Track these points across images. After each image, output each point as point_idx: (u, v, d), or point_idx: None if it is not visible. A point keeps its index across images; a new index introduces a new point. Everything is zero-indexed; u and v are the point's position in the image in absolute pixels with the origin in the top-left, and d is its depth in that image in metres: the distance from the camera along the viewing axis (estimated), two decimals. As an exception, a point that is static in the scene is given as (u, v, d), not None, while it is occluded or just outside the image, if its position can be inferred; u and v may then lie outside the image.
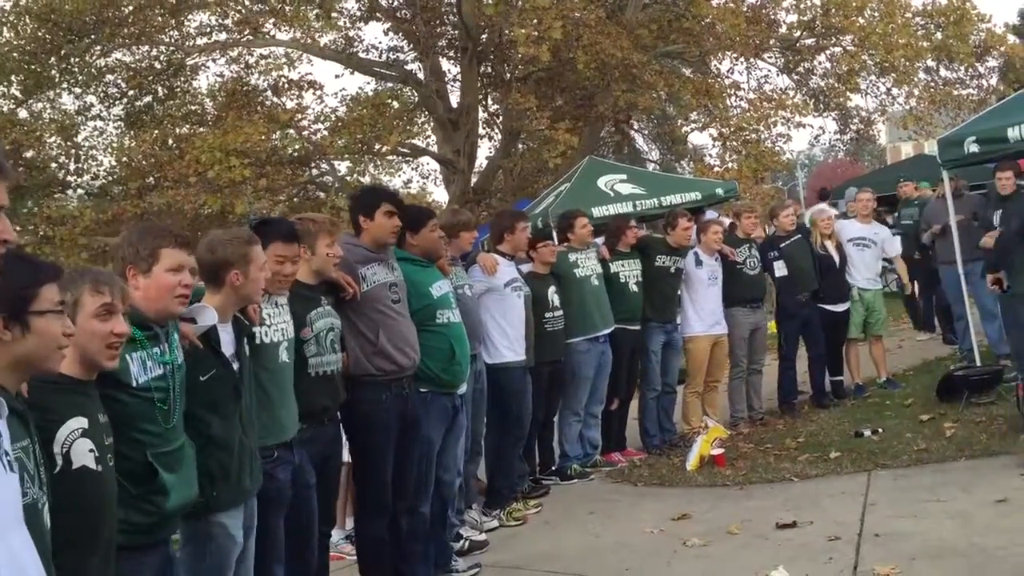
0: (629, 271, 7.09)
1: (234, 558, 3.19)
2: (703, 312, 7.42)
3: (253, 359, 3.46)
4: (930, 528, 4.66)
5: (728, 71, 19.75)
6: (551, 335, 6.40)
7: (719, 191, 11.29)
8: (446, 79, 18.78)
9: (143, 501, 2.71)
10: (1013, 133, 7.41)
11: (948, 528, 4.63)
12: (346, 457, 4.59)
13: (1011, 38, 20.53)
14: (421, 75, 18.40)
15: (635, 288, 7.08)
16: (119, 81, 17.78)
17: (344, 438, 4.44)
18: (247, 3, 17.01)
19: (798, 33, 18.20)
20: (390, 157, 18.65)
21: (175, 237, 2.95)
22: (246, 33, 17.40)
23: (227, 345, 3.29)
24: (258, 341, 3.56)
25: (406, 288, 4.66)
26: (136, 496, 2.68)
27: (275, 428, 3.62)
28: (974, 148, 7.69)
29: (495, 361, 5.80)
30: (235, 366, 3.28)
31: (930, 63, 18.31)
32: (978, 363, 8.07)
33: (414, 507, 4.64)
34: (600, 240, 7.22)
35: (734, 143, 17.13)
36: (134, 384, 2.72)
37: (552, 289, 6.49)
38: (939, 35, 17.67)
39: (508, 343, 5.92)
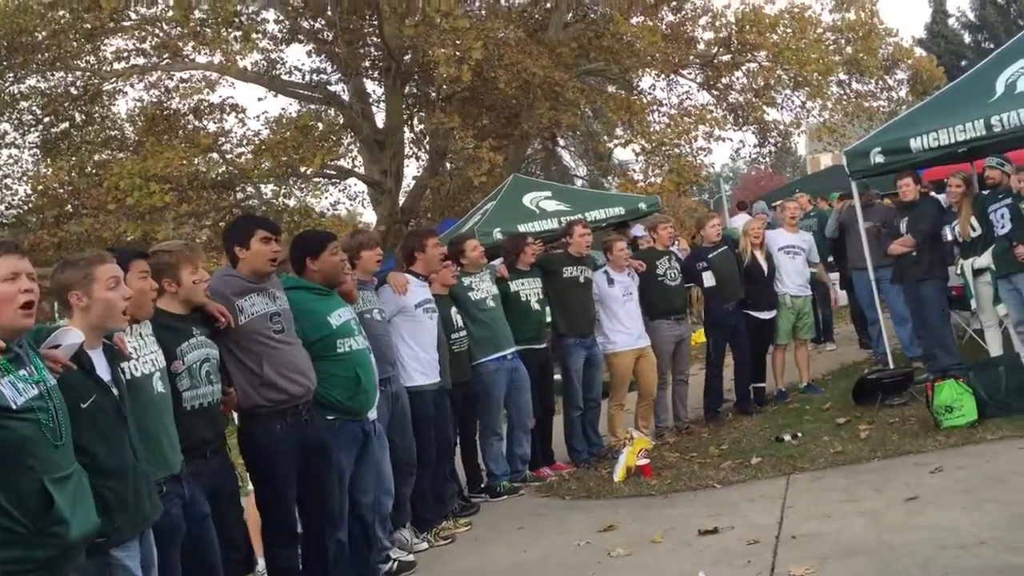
0: (530, 289, 7.15)
1: None
2: (622, 327, 7.51)
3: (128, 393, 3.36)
4: (843, 528, 4.80)
5: (650, 87, 20.21)
6: (458, 356, 6.42)
7: (642, 205, 11.52)
8: (371, 100, 18.84)
9: (43, 535, 2.58)
10: (916, 143, 7.69)
11: (860, 527, 4.77)
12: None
13: (918, 51, 21.40)
14: (345, 96, 18.39)
15: (537, 306, 7.14)
16: (34, 108, 17.39)
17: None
18: (166, 27, 16.79)
19: (715, 50, 18.66)
20: (316, 179, 18.53)
21: (3, 245, 2.82)
22: (165, 57, 17.18)
23: (103, 371, 3.19)
24: (128, 376, 3.43)
25: (292, 316, 4.57)
26: (35, 531, 2.55)
27: (160, 461, 3.53)
28: (880, 159, 7.96)
29: (407, 384, 5.76)
30: (115, 391, 3.18)
31: (842, 77, 18.96)
32: (891, 366, 8.33)
33: (330, 535, 4.60)
34: (498, 261, 7.29)
35: (657, 158, 17.47)
36: (13, 407, 2.59)
37: (453, 310, 6.52)
38: (849, 50, 18.31)
39: (420, 367, 5.88)
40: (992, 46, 27.39)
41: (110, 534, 2.94)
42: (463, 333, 6.53)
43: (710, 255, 8.23)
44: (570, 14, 18.43)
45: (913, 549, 4.29)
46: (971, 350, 8.59)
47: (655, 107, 19.59)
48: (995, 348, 7.73)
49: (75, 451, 2.81)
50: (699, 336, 8.66)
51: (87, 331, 3.15)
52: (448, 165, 19.94)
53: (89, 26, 16.04)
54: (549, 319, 7.27)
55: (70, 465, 2.74)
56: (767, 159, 24.16)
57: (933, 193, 9.26)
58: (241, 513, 4.29)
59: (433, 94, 17.84)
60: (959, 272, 7.97)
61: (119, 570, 3.04)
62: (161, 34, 16.85)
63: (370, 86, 18.98)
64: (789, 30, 17.80)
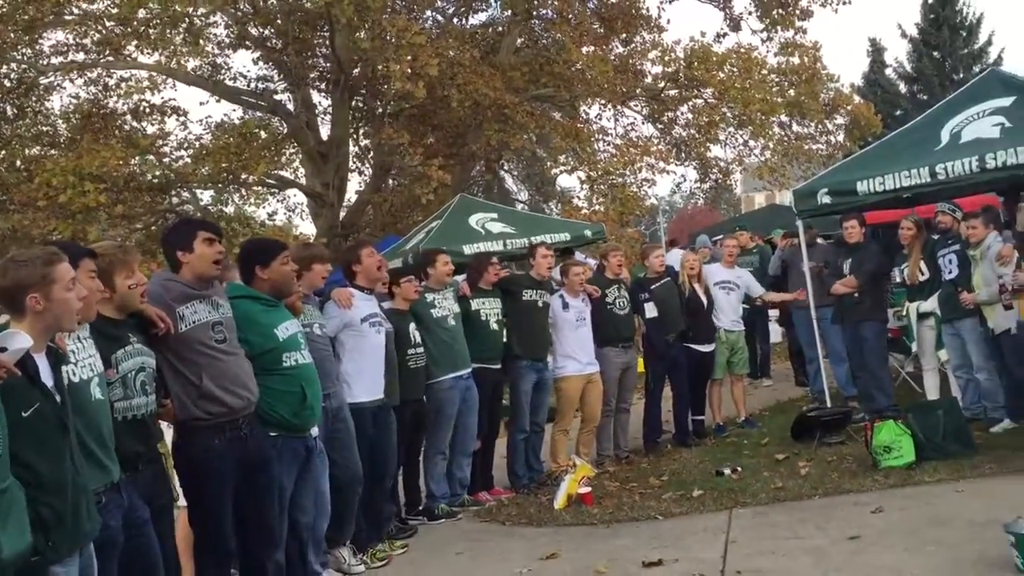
0: (490, 309, 7.09)
1: None
2: (574, 352, 7.48)
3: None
4: (788, 565, 4.80)
5: (596, 116, 20.34)
6: (413, 372, 6.31)
7: (587, 232, 11.54)
8: (317, 111, 18.59)
9: None
10: (862, 187, 7.84)
11: (805, 564, 4.77)
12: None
13: (856, 98, 21.97)
14: (291, 106, 18.13)
15: (496, 326, 7.09)
16: (-36, 98, 16.75)
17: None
18: (109, 23, 16.35)
19: (662, 84, 18.90)
20: (256, 188, 18.19)
21: None
22: (106, 54, 16.71)
23: (46, 376, 3.01)
24: (67, 381, 3.22)
25: (235, 326, 4.41)
26: None
27: (98, 470, 3.36)
28: (826, 199, 8.10)
29: (349, 400, 5.59)
30: (57, 398, 3.01)
31: (784, 118, 19.34)
32: (828, 404, 8.44)
33: (267, 553, 4.43)
34: (461, 278, 7.22)
35: (601, 186, 17.57)
36: None
37: (412, 326, 6.42)
38: (792, 92, 18.69)
39: (363, 383, 5.73)
40: (927, 97, 28.39)
41: (46, 552, 2.76)
42: (420, 350, 6.42)
43: (653, 286, 8.25)
44: (521, 39, 18.51)
45: (859, 589, 4.30)
46: (905, 392, 8.76)
47: (601, 136, 19.77)
48: (932, 392, 7.88)
49: (12, 463, 2.63)
50: (640, 366, 8.66)
51: (37, 334, 2.99)
52: (392, 182, 19.79)
53: (28, 17, 15.53)
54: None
55: (4, 480, 2.57)
56: (706, 195, 24.49)
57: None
58: (172, 531, 4.08)
59: (380, 109, 17.71)
60: (903, 314, 8.12)
61: None
62: (103, 31, 16.39)
63: (316, 97, 18.79)
64: (735, 69, 18.12)
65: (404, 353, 6.24)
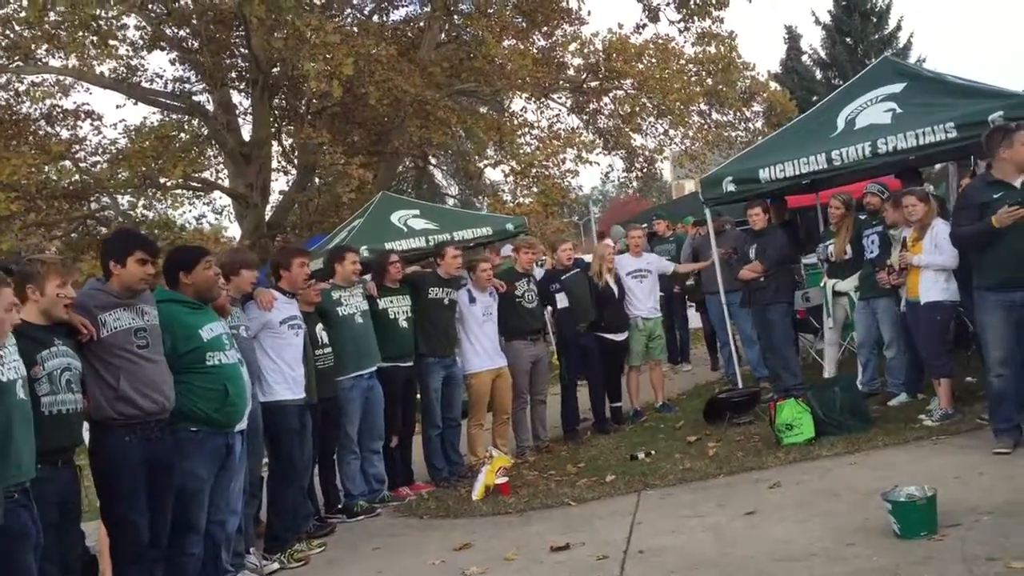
0: (399, 307, 7.18)
1: None
2: (481, 347, 7.60)
3: None
4: (688, 542, 4.98)
5: (521, 110, 20.48)
6: (322, 372, 6.39)
7: (509, 226, 11.65)
8: (237, 112, 18.39)
9: None
10: (764, 174, 8.09)
11: (703, 541, 4.96)
12: None
13: (773, 85, 22.46)
14: (210, 107, 17.91)
15: (405, 324, 7.17)
16: None
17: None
18: (17, 27, 15.96)
19: (584, 76, 19.11)
20: (177, 191, 17.94)
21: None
22: (15, 59, 16.31)
23: None
24: None
25: (160, 332, 4.61)
26: None
27: (15, 467, 3.53)
28: (731, 187, 8.33)
29: (269, 399, 5.73)
30: None
31: (703, 107, 19.70)
32: (740, 386, 8.70)
33: (179, 550, 4.56)
34: (369, 277, 7.29)
35: (525, 179, 17.72)
36: None
37: (319, 327, 6.50)
38: (710, 81, 19.05)
39: (284, 381, 5.86)
40: (841, 82, 29.01)
41: None
42: (328, 350, 6.49)
43: (563, 277, 8.40)
44: (443, 34, 18.55)
45: (751, 562, 4.50)
46: (814, 371, 9.06)
47: (526, 129, 19.91)
48: (830, 365, 8.19)
49: None
50: (554, 358, 8.84)
51: None
52: (317, 180, 19.68)
53: (-67, 22, 15.15)
54: (416, 337, 7.29)
55: None
56: (634, 184, 24.82)
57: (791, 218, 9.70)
58: (79, 535, 4.20)
59: (302, 108, 17.61)
60: (805, 295, 8.39)
61: None
62: (12, 35, 16.00)
63: (236, 98, 18.60)
64: (654, 60, 18.43)
65: (312, 354, 6.31)
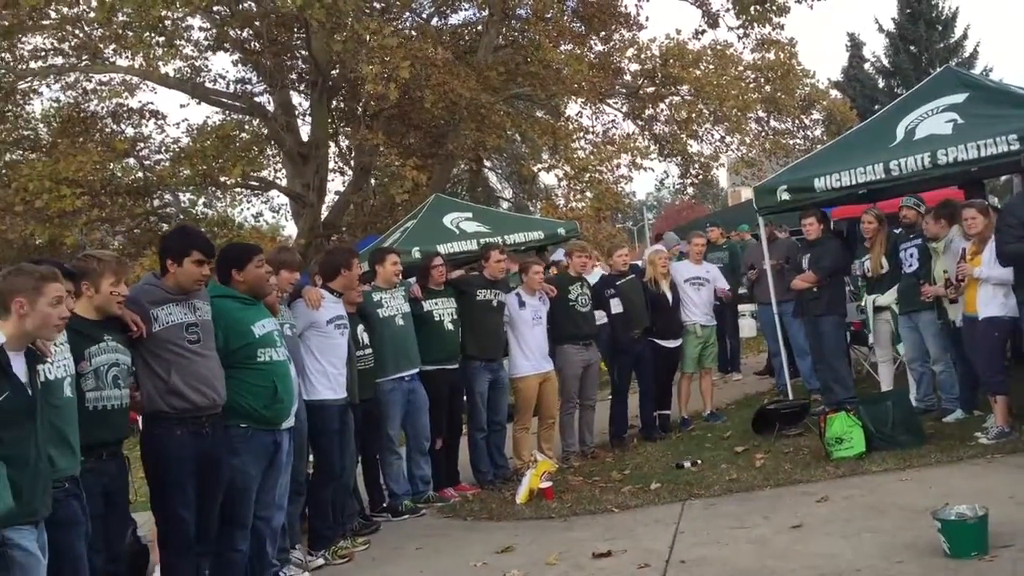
0: (444, 309, 7.19)
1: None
2: (529, 351, 7.60)
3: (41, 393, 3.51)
4: (731, 554, 4.94)
5: (576, 114, 20.48)
6: (362, 374, 6.43)
7: (561, 231, 11.68)
8: (296, 113, 18.66)
9: None
10: (820, 183, 7.98)
11: (747, 553, 4.91)
12: None
13: (834, 93, 22.18)
14: (270, 108, 18.20)
15: (451, 326, 7.18)
16: (-56, 103, 16.79)
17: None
18: (87, 28, 16.42)
19: (640, 81, 19.04)
20: (237, 189, 18.26)
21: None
22: (84, 58, 16.78)
23: (19, 371, 3.35)
24: (42, 378, 3.57)
25: (212, 328, 4.67)
26: None
27: (63, 461, 3.64)
28: (786, 196, 8.24)
29: (312, 398, 5.77)
30: (29, 392, 3.34)
31: (760, 114, 19.50)
32: (790, 397, 8.59)
33: (227, 546, 4.61)
34: (413, 279, 7.33)
35: (579, 184, 17.70)
36: None
37: (360, 328, 6.54)
38: (768, 88, 18.86)
39: (328, 381, 5.90)
40: (904, 91, 28.49)
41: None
42: (368, 351, 6.54)
43: (618, 282, 8.38)
44: (500, 38, 18.62)
45: (793, 575, 4.44)
46: (869, 384, 8.91)
47: (581, 134, 19.90)
48: (887, 383, 8.04)
49: None
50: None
51: (15, 335, 3.36)
52: (372, 182, 19.89)
53: (7, 23, 15.60)
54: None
55: None
56: (689, 190, 24.65)
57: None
58: (125, 525, 4.34)
59: (359, 110, 17.80)
60: (861, 307, 8.27)
61: (16, 550, 3.20)
62: (81, 35, 16.45)
63: (296, 99, 18.87)
64: (711, 66, 18.29)
65: (354, 354, 6.35)
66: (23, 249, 14.25)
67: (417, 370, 6.87)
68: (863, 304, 8.99)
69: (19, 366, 3.35)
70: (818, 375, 8.49)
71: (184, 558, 4.48)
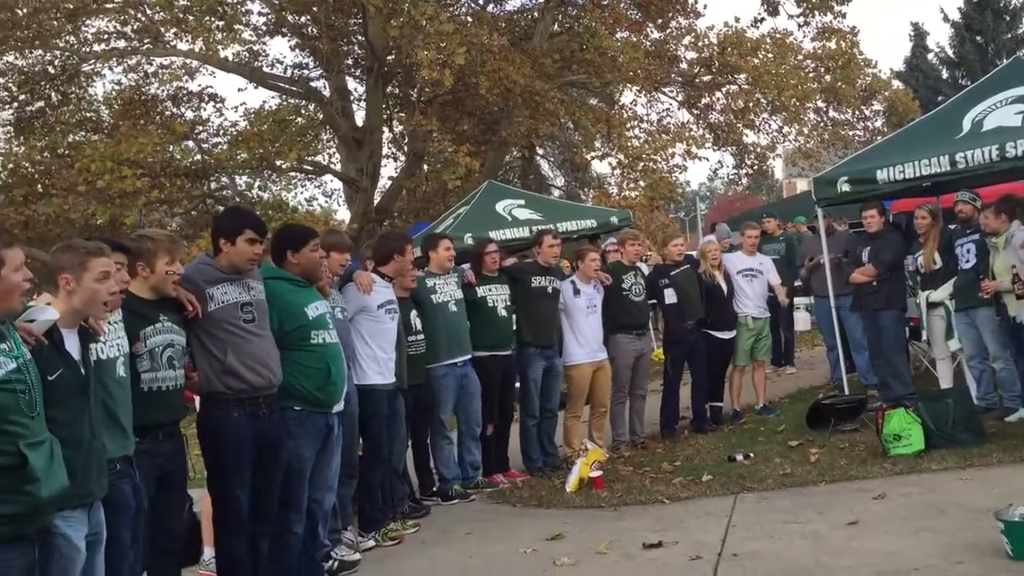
0: (497, 295, 7.16)
1: (78, 569, 3.18)
2: (583, 339, 7.55)
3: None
4: (785, 549, 4.87)
5: (631, 103, 20.29)
6: (413, 359, 6.43)
7: (614, 219, 11.60)
8: (351, 98, 18.79)
9: (11, 492, 2.75)
10: (882, 175, 7.80)
11: (801, 548, 4.85)
12: None
13: (896, 83, 21.69)
14: (326, 92, 18.35)
15: (504, 313, 7.16)
16: (10, 84, 17.20)
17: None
18: (148, 11, 16.69)
19: (697, 70, 18.81)
20: (291, 173, 18.46)
21: (8, 236, 3.03)
22: (146, 42, 17.06)
23: (72, 349, 3.32)
24: (95, 357, 3.55)
25: (267, 308, 4.65)
26: (6, 489, 2.73)
27: (116, 441, 3.63)
28: (846, 187, 8.07)
29: (361, 383, 5.77)
30: (82, 370, 3.32)
31: (820, 104, 19.15)
32: (846, 392, 8.44)
33: (283, 528, 4.63)
34: (467, 266, 7.33)
35: (633, 172, 17.57)
36: None
37: (413, 313, 6.55)
38: (828, 78, 18.50)
39: (377, 366, 5.90)
40: (969, 83, 27.80)
41: None
42: (420, 336, 6.55)
43: (672, 272, 8.30)
44: (555, 25, 18.52)
45: (850, 573, 4.38)
46: (927, 381, 8.73)
47: (635, 122, 19.74)
48: (946, 380, 7.87)
49: None
50: (658, 354, 8.74)
51: (67, 313, 3.33)
52: (425, 167, 19.97)
53: (72, 6, 15.93)
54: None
55: (43, 433, 2.91)
56: (743, 181, 24.33)
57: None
58: (183, 503, 4.33)
59: (414, 96, 17.86)
60: (918, 303, 8.10)
61: (60, 540, 3.12)
62: (143, 18, 16.72)
63: (351, 84, 19.00)
64: (770, 55, 18.00)
65: (405, 339, 6.36)
66: (84, 229, 14.53)
67: (469, 356, 6.88)
68: (918, 301, 8.83)
69: (72, 344, 3.32)
70: (875, 371, 8.33)
71: (238, 537, 4.49)
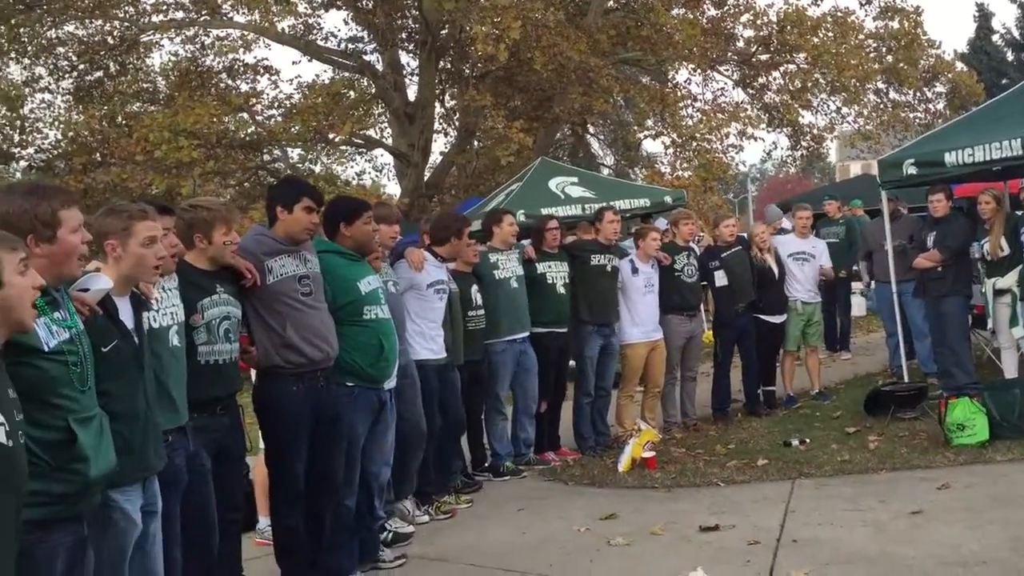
0: (556, 272, 7.09)
1: (133, 541, 3.15)
2: (639, 319, 7.47)
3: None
4: (845, 536, 4.79)
5: (685, 81, 20.03)
6: (472, 334, 6.40)
7: (668, 199, 11.48)
8: (404, 72, 18.77)
9: (63, 471, 2.61)
10: (950, 158, 7.59)
11: (862, 536, 4.76)
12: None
13: (959, 65, 21.12)
14: (379, 66, 18.35)
15: (563, 290, 7.09)
16: (70, 54, 17.47)
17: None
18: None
19: (754, 48, 18.50)
20: (343, 147, 18.52)
21: (71, 196, 2.91)
22: (203, 13, 17.19)
23: (126, 318, 3.23)
24: (147, 326, 3.45)
25: (322, 281, 4.58)
26: (56, 466, 2.60)
27: (169, 412, 3.55)
28: (912, 170, 7.87)
29: (413, 358, 5.71)
30: (135, 340, 3.22)
31: (880, 85, 18.75)
32: (906, 379, 8.27)
33: (338, 500, 4.63)
34: (527, 242, 7.27)
35: (686, 152, 17.37)
36: (46, 349, 2.64)
37: (474, 288, 6.50)
38: (890, 58, 18.11)
39: (425, 342, 5.87)
40: (1035, 66, 27.09)
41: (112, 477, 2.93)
42: (481, 312, 6.52)
43: (723, 255, 8.17)
44: (611, 1, 18.31)
45: (914, 563, 4.28)
46: (989, 370, 8.51)
47: (689, 101, 19.49)
48: (1011, 370, 7.67)
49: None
50: (708, 336, 8.62)
51: (117, 280, 3.21)
52: (476, 143, 19.93)
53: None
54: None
55: (93, 408, 2.79)
56: (797, 163, 23.95)
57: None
58: (243, 474, 4.32)
59: (467, 71, 17.79)
60: (983, 291, 7.90)
61: (117, 512, 3.07)
62: (201, -10, 16.86)
63: (404, 58, 18.97)
64: (831, 34, 17.64)
65: (465, 314, 6.33)
66: (141, 198, 14.70)
67: (528, 333, 6.85)
68: (983, 287, 8.60)
69: (125, 312, 3.22)
70: (937, 358, 8.14)
71: (295, 509, 4.49)
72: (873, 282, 8.40)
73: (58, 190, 2.95)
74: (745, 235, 8.77)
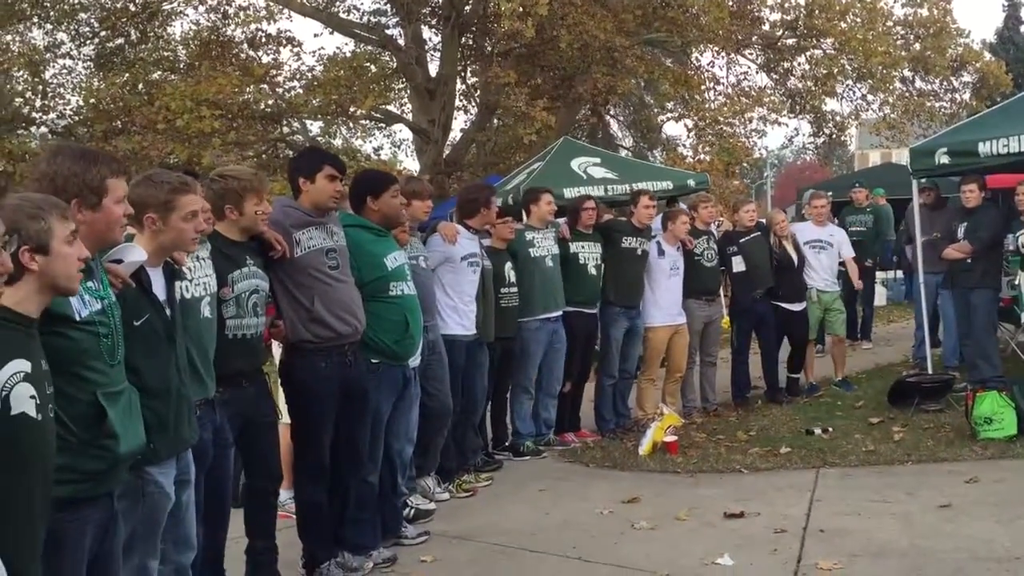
0: (589, 253, 7.03)
1: (167, 514, 3.12)
2: (664, 302, 7.41)
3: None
4: (874, 527, 4.74)
5: (708, 64, 19.83)
6: (504, 311, 6.36)
7: (691, 182, 11.37)
8: (426, 47, 18.62)
9: (92, 447, 2.52)
10: (984, 148, 7.47)
11: (891, 528, 4.71)
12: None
13: (987, 55, 20.85)
14: (401, 41, 18.21)
15: (594, 271, 7.04)
16: (92, 20, 17.37)
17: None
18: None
19: (780, 32, 18.28)
20: (364, 121, 18.42)
21: (121, 165, 2.82)
22: (227, -18, 17.09)
23: (159, 290, 3.16)
24: (179, 296, 3.40)
25: (348, 254, 4.52)
26: (84, 441, 2.52)
27: (198, 384, 3.49)
28: (945, 159, 7.75)
29: (443, 333, 5.70)
30: (167, 312, 3.15)
31: (906, 73, 18.52)
32: (930, 371, 8.19)
33: (361, 476, 4.60)
34: (562, 220, 7.20)
35: (709, 135, 17.21)
36: (77, 318, 2.54)
37: (508, 265, 6.45)
38: (917, 46, 17.87)
39: (458, 317, 5.84)
40: (1063, 57, 26.74)
41: (146, 453, 2.87)
42: (513, 289, 6.47)
43: (742, 240, 8.06)
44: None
45: (945, 556, 4.23)
46: (1014, 365, 8.42)
47: (712, 84, 19.30)
48: (1038, 364, 7.59)
49: (124, 368, 2.76)
50: (728, 321, 8.56)
51: (152, 252, 3.14)
52: (496, 121, 19.77)
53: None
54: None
55: (122, 382, 2.70)
56: (819, 150, 23.72)
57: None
58: (277, 444, 4.25)
59: (489, 48, 17.64)
60: (1015, 283, 7.79)
61: (152, 485, 3.02)
62: (224, -42, 16.75)
63: (427, 33, 18.80)
64: (859, 19, 17.40)
65: (497, 292, 6.29)
66: (161, 167, 14.67)
67: (561, 312, 6.80)
68: (1016, 280, 8.48)
69: (158, 285, 3.15)
70: (964, 351, 8.05)
71: (319, 484, 4.47)
72: (921, 272, 8.22)
73: (109, 157, 2.85)
74: (763, 220, 8.68)
